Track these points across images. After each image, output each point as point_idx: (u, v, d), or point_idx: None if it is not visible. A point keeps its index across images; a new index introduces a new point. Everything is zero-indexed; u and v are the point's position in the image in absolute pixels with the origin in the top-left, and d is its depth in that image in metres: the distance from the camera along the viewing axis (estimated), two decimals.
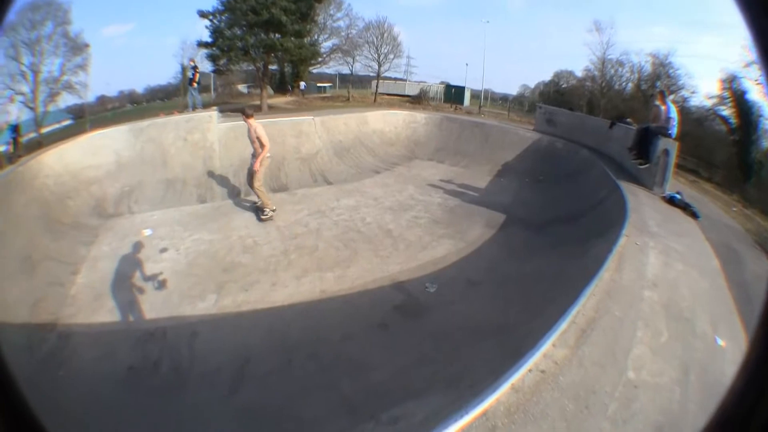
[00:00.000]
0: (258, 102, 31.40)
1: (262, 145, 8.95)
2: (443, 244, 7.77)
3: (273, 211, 9.19)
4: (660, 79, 33.77)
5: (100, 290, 6.66)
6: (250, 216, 9.28)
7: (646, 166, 8.86)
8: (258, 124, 9.12)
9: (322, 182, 11.89)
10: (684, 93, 33.66)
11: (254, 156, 9.14)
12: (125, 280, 6.93)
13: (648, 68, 36.04)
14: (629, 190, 7.77)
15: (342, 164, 13.22)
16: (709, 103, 32.15)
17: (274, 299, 6.32)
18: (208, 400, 4.51)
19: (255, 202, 9.78)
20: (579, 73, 40.94)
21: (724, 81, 31.01)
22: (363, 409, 4.05)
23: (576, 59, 45.93)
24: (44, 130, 28.98)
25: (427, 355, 4.84)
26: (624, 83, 37.70)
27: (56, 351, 5.43)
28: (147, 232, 8.65)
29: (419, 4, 57.88)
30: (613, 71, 37.64)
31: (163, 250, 7.89)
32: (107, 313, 6.11)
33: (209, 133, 11.92)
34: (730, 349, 3.79)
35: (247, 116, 9.16)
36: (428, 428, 2.38)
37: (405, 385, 4.28)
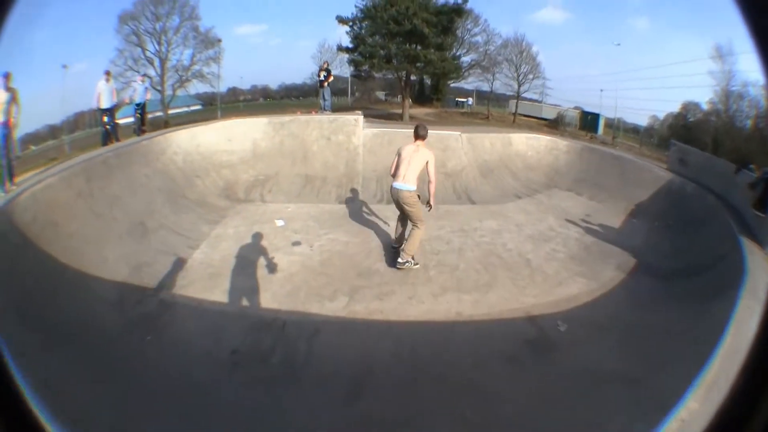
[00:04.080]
0: (399, 111, 32.75)
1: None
2: (577, 282, 7.61)
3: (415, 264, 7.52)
4: None
5: (219, 270, 6.82)
6: (393, 225, 9.02)
7: (763, 216, 8.55)
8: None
9: (466, 200, 11.92)
10: None
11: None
12: (248, 265, 7.03)
13: (764, 103, 31.63)
14: (748, 248, 7.39)
15: (486, 184, 13.20)
16: None
17: (408, 313, 6.18)
18: (320, 403, 4.35)
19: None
20: (705, 106, 37.22)
21: None
22: None
23: (703, 89, 41.92)
24: (171, 111, 31.45)
25: (553, 396, 4.70)
26: (744, 119, 33.45)
27: (152, 316, 5.56)
28: (279, 222, 8.86)
29: (550, 19, 56.81)
30: (735, 106, 33.62)
31: (296, 243, 8.04)
32: (221, 293, 6.21)
33: (354, 137, 12.43)
34: None
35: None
36: None
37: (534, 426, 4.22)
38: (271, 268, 6.98)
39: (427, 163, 7.32)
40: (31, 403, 1.20)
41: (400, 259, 7.30)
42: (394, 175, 7.36)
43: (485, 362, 5.19)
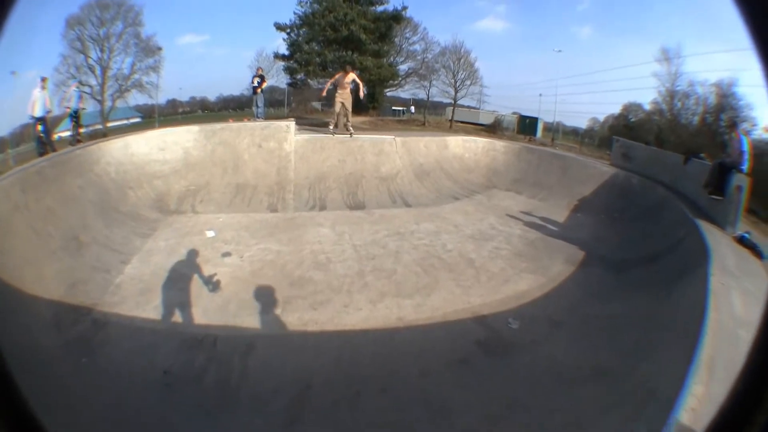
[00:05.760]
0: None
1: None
2: (525, 279, 7.61)
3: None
4: (724, 111, 31.76)
5: (149, 285, 6.51)
6: (326, 232, 9.16)
7: (720, 199, 8.80)
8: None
9: (401, 204, 11.91)
10: (745, 125, 30.26)
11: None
12: (179, 279, 6.72)
13: (712, 100, 33.87)
14: (706, 229, 7.54)
15: (422, 187, 13.28)
16: None
17: (345, 322, 5.96)
18: (258, 427, 4.12)
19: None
20: (647, 106, 39.06)
21: None
22: None
23: (645, 91, 43.40)
24: (110, 124, 30.56)
25: (518, 400, 4.50)
26: (690, 116, 35.79)
27: (87, 336, 5.28)
28: (210, 233, 8.56)
29: (491, 29, 57.80)
30: (680, 104, 35.79)
31: (226, 254, 7.75)
32: (152, 310, 5.92)
33: (285, 143, 12.31)
34: None
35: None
36: None
37: None
38: (206, 281, 6.71)
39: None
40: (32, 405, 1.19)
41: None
42: None
43: (433, 369, 5.05)
